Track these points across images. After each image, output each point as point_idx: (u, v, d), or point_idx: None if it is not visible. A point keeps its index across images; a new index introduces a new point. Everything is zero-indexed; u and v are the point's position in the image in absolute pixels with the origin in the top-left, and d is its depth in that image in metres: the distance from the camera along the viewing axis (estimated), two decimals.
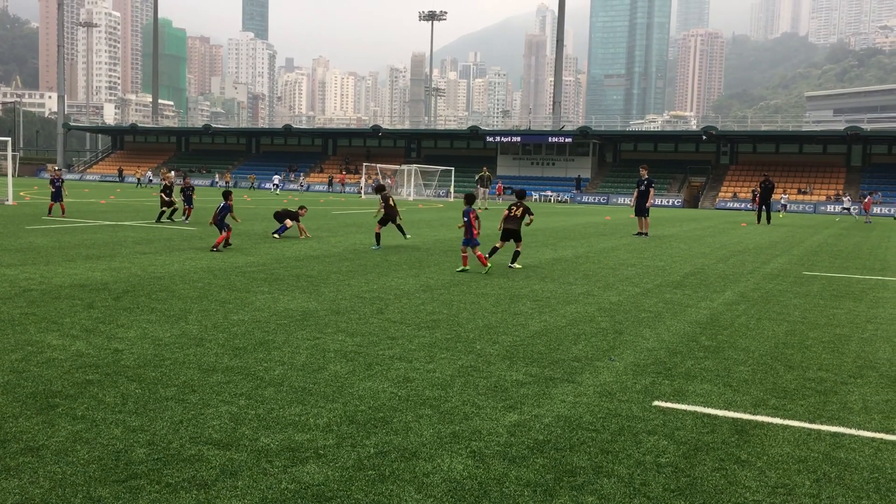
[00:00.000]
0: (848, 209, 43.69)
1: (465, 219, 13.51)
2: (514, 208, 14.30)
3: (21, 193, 40.29)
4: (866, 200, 43.87)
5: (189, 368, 6.38)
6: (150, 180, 76.16)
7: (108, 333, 7.59)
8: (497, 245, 14.54)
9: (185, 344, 7.24)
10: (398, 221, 18.21)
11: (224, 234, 15.90)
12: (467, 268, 13.50)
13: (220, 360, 6.71)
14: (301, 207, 20.30)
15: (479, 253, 13.60)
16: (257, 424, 5.07)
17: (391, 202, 17.94)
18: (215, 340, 7.44)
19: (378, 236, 17.62)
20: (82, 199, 37.28)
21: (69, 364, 6.40)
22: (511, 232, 14.16)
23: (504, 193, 63.76)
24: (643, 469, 4.56)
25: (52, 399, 5.46)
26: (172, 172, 29.16)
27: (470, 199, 14.06)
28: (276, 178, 67.36)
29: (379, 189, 19.02)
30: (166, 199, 24.17)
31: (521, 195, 14.93)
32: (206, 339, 7.50)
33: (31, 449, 4.50)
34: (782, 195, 54.83)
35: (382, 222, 17.82)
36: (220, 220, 16.01)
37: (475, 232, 13.53)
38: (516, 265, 14.17)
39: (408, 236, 19.28)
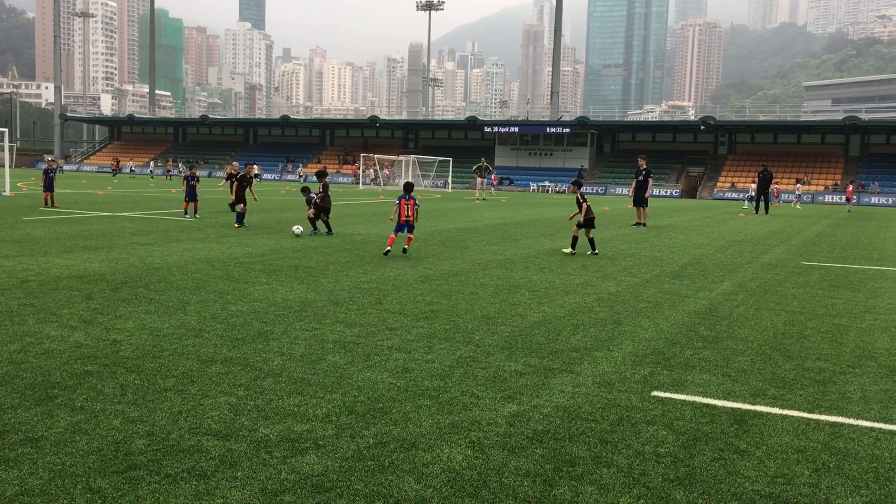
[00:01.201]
0: (752, 197, 43.84)
1: (398, 203, 14.21)
2: (585, 199, 15.45)
3: (18, 184, 40.18)
4: (848, 189, 43.99)
5: (188, 359, 6.38)
6: (132, 170, 76.08)
7: (107, 324, 7.58)
8: (577, 234, 15.52)
9: (183, 335, 7.24)
10: (326, 217, 17.74)
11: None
12: (390, 248, 14.07)
13: (218, 350, 6.70)
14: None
15: (410, 236, 14.42)
16: (256, 415, 5.07)
17: (328, 192, 17.74)
18: (214, 331, 7.43)
19: (312, 221, 17.66)
20: (79, 190, 37.19)
21: (68, 355, 6.39)
22: (593, 220, 15.45)
23: (502, 184, 63.62)
24: (642, 459, 4.56)
25: (51, 390, 5.45)
26: (255, 166, 27.57)
27: (408, 187, 14.75)
28: (256, 168, 68.23)
29: (321, 175, 17.94)
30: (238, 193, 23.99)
31: (579, 185, 16.18)
32: (205, 329, 7.49)
33: (30, 440, 4.50)
34: (797, 184, 54.53)
35: (318, 209, 17.55)
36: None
37: (403, 218, 14.15)
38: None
39: (321, 233, 17.77)
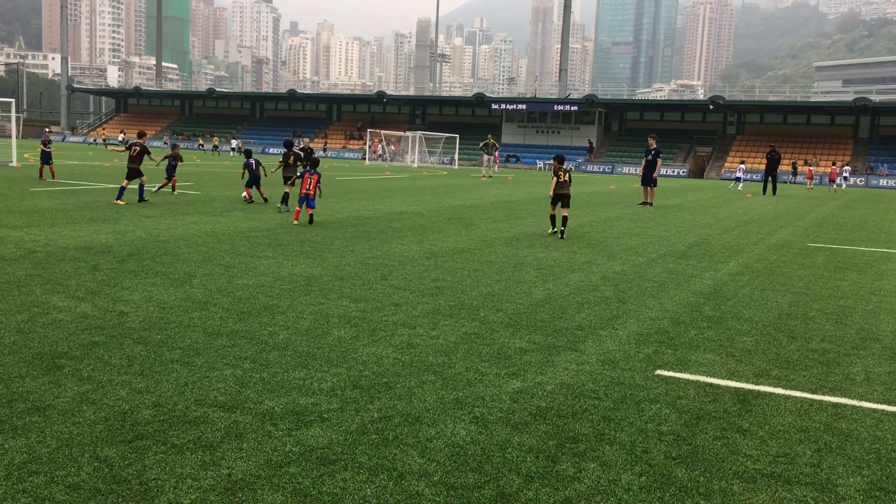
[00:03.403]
0: (739, 178, 43.32)
1: (299, 178, 14.91)
2: (563, 174, 14.64)
3: (25, 155, 40.17)
4: (832, 170, 43.64)
5: (194, 332, 6.41)
6: (125, 140, 76.05)
7: (114, 296, 7.62)
8: (552, 213, 14.78)
9: (189, 307, 7.27)
10: (259, 190, 18.97)
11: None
12: (297, 221, 14.72)
13: (224, 323, 6.73)
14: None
15: (310, 209, 14.73)
16: (262, 388, 5.10)
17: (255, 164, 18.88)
18: (220, 304, 7.46)
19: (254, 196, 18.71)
20: (86, 162, 37.20)
21: (75, 326, 6.43)
22: (563, 196, 14.39)
23: (509, 161, 63.38)
24: (645, 437, 4.59)
25: (59, 360, 5.49)
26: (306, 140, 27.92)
27: (314, 163, 15.29)
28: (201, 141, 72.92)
29: (294, 144, 18.82)
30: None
31: (561, 160, 15.07)
32: (211, 302, 7.52)
33: (37, 409, 4.54)
34: (843, 167, 52.71)
35: (249, 184, 18.74)
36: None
37: (304, 192, 14.55)
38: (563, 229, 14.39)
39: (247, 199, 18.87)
